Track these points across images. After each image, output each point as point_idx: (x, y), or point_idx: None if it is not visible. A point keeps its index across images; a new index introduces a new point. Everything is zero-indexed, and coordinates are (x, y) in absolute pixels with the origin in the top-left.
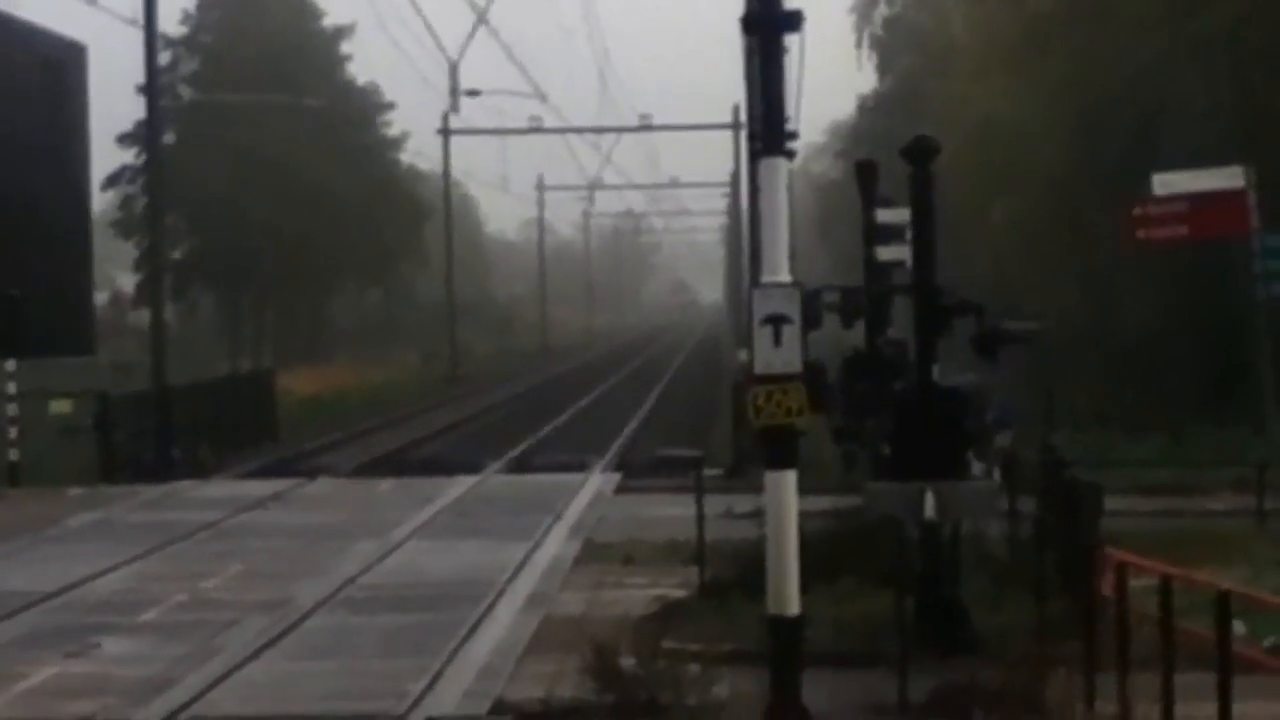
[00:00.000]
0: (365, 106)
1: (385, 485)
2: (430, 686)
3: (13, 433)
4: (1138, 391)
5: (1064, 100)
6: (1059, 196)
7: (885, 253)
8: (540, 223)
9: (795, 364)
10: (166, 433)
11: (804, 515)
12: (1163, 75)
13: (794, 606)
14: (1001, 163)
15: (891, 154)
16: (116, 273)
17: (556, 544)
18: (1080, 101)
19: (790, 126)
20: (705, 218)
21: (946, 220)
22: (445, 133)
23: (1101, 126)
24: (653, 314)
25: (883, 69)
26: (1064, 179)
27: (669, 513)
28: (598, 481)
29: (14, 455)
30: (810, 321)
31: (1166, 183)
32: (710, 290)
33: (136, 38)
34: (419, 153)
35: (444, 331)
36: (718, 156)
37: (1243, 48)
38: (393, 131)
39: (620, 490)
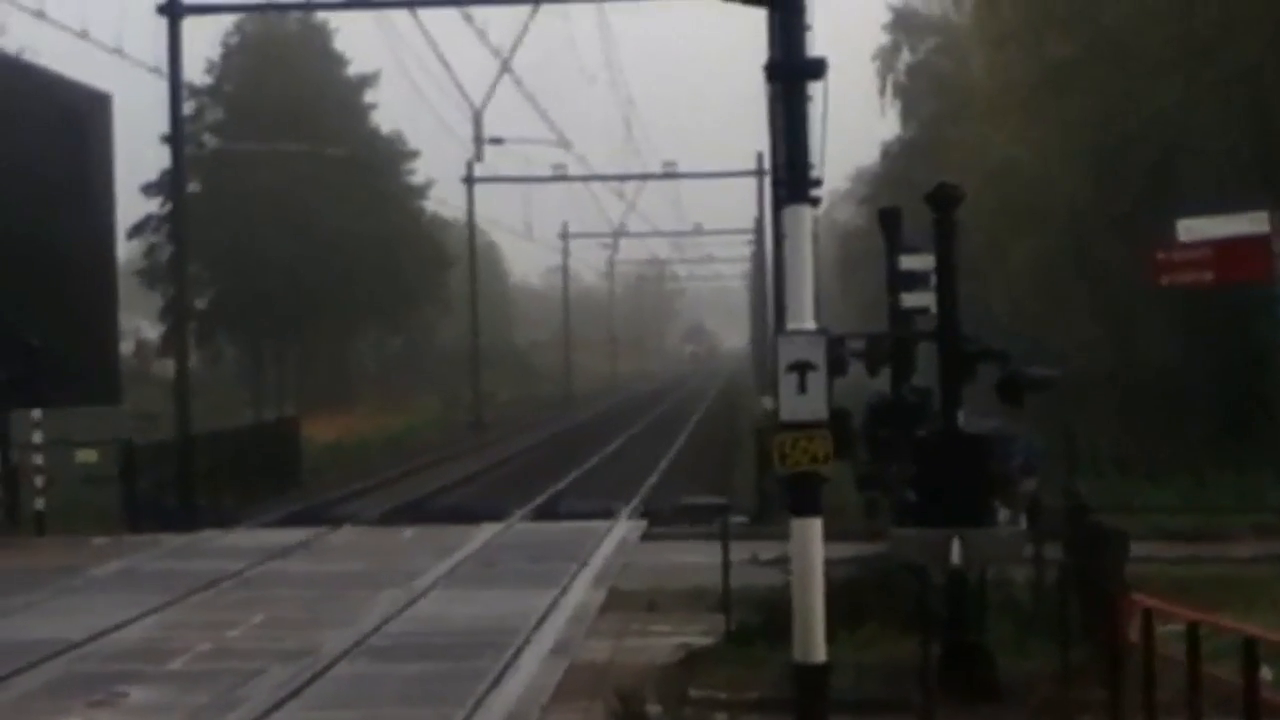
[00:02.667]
0: (389, 154)
1: (409, 533)
2: None
3: (39, 482)
4: (1157, 433)
5: (1083, 142)
6: (1078, 237)
7: (909, 299)
8: (565, 270)
9: (821, 411)
10: (190, 482)
11: (828, 562)
12: (1181, 116)
13: (820, 653)
14: (1021, 204)
15: (915, 200)
16: (141, 322)
17: (581, 591)
18: (1099, 143)
19: (814, 173)
20: (729, 264)
21: (966, 261)
22: (469, 180)
23: (1120, 168)
24: (677, 361)
25: (906, 115)
26: (1083, 219)
27: (694, 560)
28: (623, 529)
29: (40, 504)
30: (835, 368)
31: (1190, 229)
32: (736, 336)
33: (161, 87)
34: (443, 200)
35: (466, 378)
36: (742, 203)
37: (1261, 88)
38: (417, 179)
39: (645, 537)
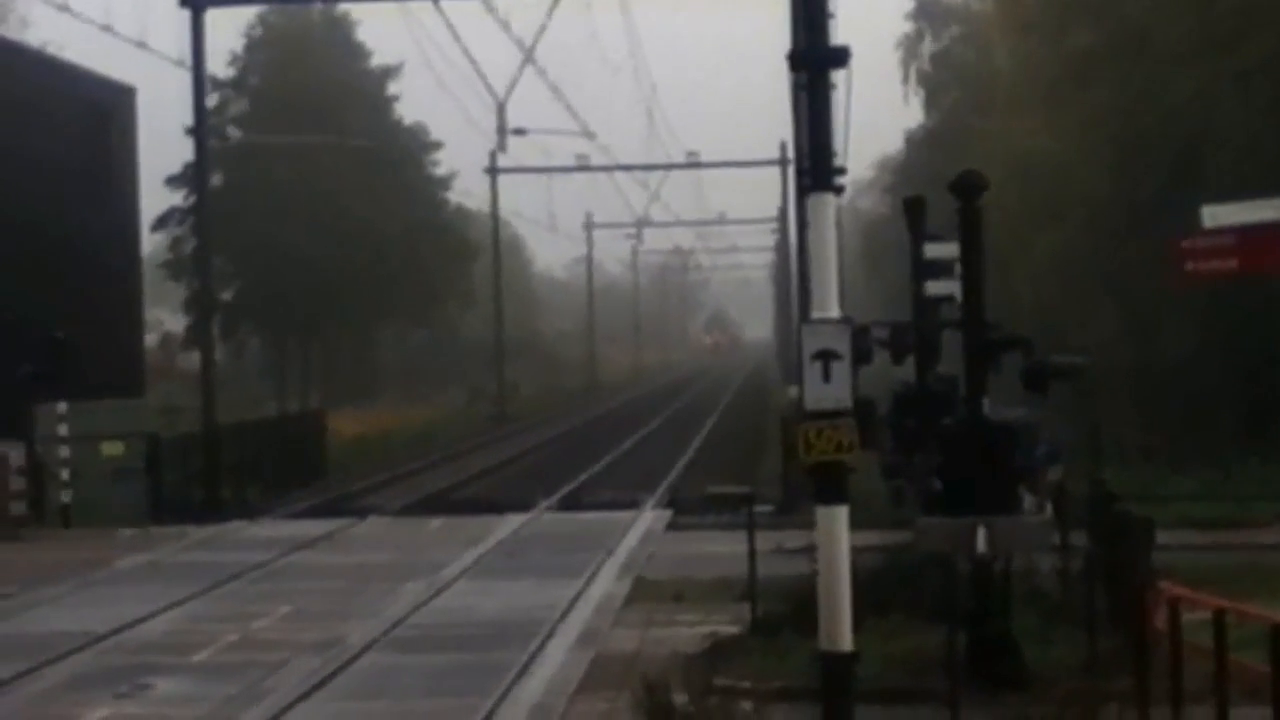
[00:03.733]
0: (412, 146)
1: (434, 524)
2: None
3: (64, 475)
4: (1180, 423)
5: (1105, 132)
6: (1100, 228)
7: (934, 288)
8: (589, 261)
9: (846, 400)
10: (216, 474)
11: (854, 551)
12: (1203, 107)
13: (846, 642)
14: (1043, 195)
15: (939, 189)
16: (165, 314)
17: (607, 582)
18: (1121, 133)
19: (838, 162)
20: (753, 254)
21: (989, 252)
22: (493, 172)
23: (1142, 158)
24: (698, 352)
25: (929, 104)
26: (1105, 211)
27: (719, 550)
28: (648, 519)
29: (66, 497)
30: (860, 357)
31: (1215, 215)
32: (760, 326)
33: (185, 80)
34: (466, 192)
35: (490, 370)
36: (766, 193)
37: None
38: (440, 171)
39: (671, 527)
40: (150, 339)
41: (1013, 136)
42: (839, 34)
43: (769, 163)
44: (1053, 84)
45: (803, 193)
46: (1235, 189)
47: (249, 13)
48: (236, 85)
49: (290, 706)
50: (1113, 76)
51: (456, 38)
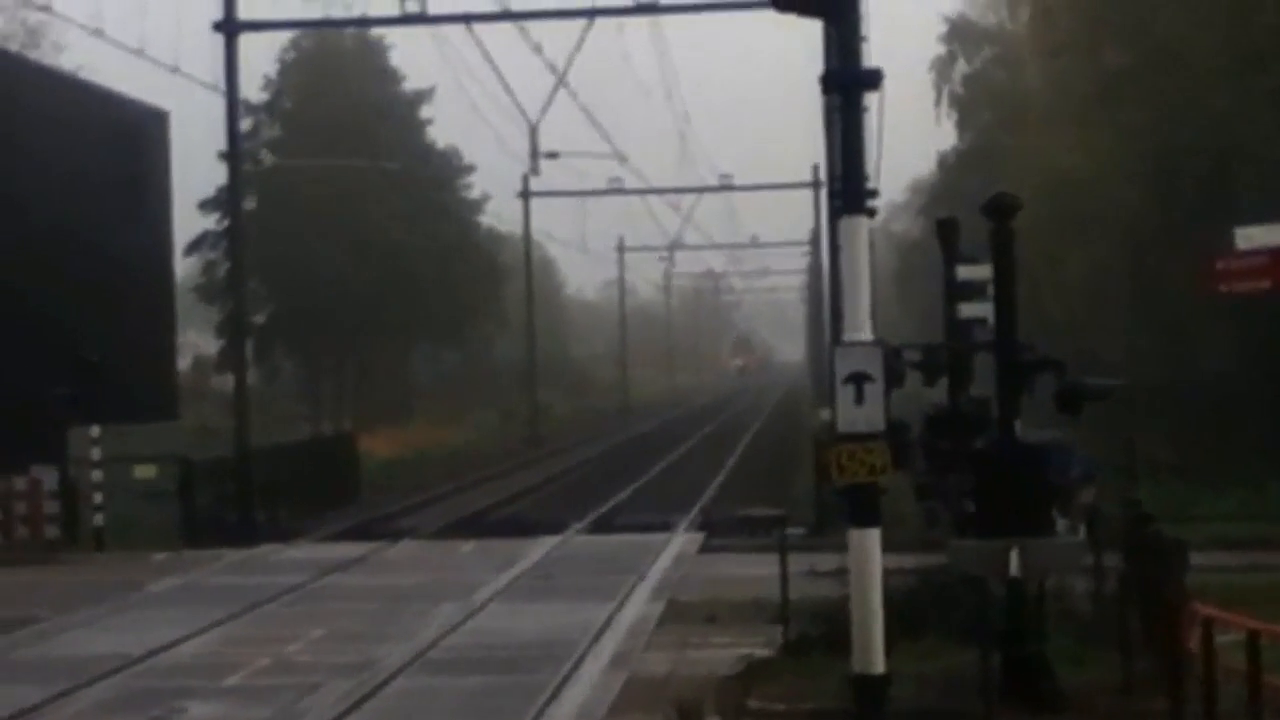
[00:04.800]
0: (445, 169)
1: (467, 547)
2: None
3: (98, 498)
4: (1213, 442)
5: (1138, 151)
6: (1133, 246)
7: (967, 309)
8: (621, 284)
9: (878, 422)
10: (249, 497)
11: (887, 573)
12: (1235, 125)
13: (879, 664)
14: (1076, 213)
15: (972, 210)
16: (199, 337)
17: (640, 604)
18: (1154, 152)
19: (870, 185)
20: (786, 277)
21: (1021, 270)
22: (525, 195)
23: (1175, 177)
24: (725, 376)
25: (962, 126)
26: (1138, 229)
27: (752, 572)
28: (681, 541)
29: (99, 520)
30: (892, 379)
31: (1248, 236)
32: (792, 349)
33: (218, 104)
34: (499, 214)
35: (522, 392)
36: (798, 215)
37: None
38: (473, 194)
39: (703, 550)
40: (183, 362)
41: (1045, 156)
42: (871, 57)
43: (801, 185)
44: (1085, 103)
45: (835, 215)
46: (1268, 206)
47: (282, 37)
48: (270, 109)
49: None
50: (1145, 95)
51: (489, 61)
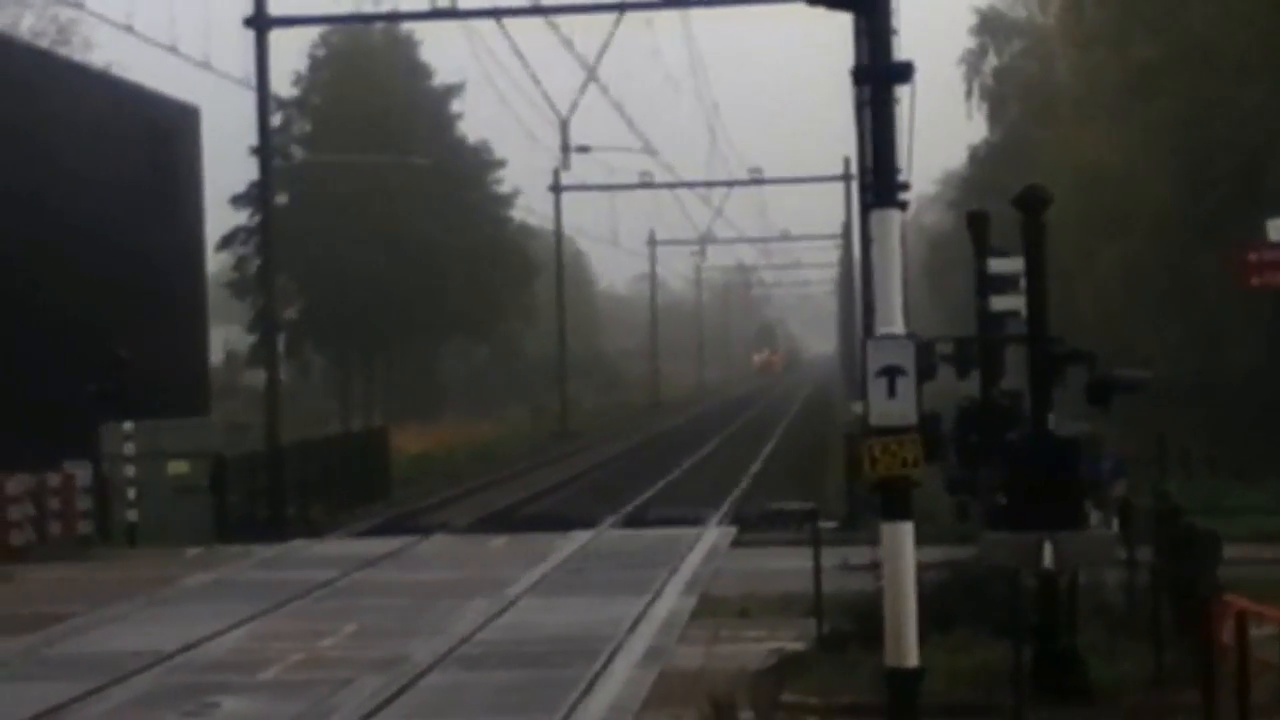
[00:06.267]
0: (476, 164)
1: (499, 542)
2: None
3: (130, 494)
4: (1246, 435)
5: (1169, 144)
6: (1164, 239)
7: (998, 303)
8: (652, 278)
9: (910, 416)
10: (281, 492)
11: (919, 566)
12: (1267, 118)
13: (912, 658)
14: (1107, 206)
15: (1003, 203)
16: (231, 333)
17: (672, 598)
18: (1186, 145)
19: (901, 177)
20: (817, 270)
21: (1052, 264)
22: (556, 189)
23: (1206, 169)
24: (750, 372)
25: (993, 118)
26: (1169, 222)
27: (784, 566)
28: (713, 535)
29: (132, 516)
30: (924, 373)
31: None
32: (824, 342)
33: (249, 100)
34: (530, 209)
35: (552, 387)
36: (829, 208)
37: None
38: (503, 188)
39: (735, 544)
40: (215, 357)
41: (1076, 149)
42: (902, 49)
43: (832, 178)
44: (1116, 96)
45: (866, 208)
46: None
47: (312, 33)
48: (300, 105)
49: None
50: (1176, 88)
51: (519, 56)
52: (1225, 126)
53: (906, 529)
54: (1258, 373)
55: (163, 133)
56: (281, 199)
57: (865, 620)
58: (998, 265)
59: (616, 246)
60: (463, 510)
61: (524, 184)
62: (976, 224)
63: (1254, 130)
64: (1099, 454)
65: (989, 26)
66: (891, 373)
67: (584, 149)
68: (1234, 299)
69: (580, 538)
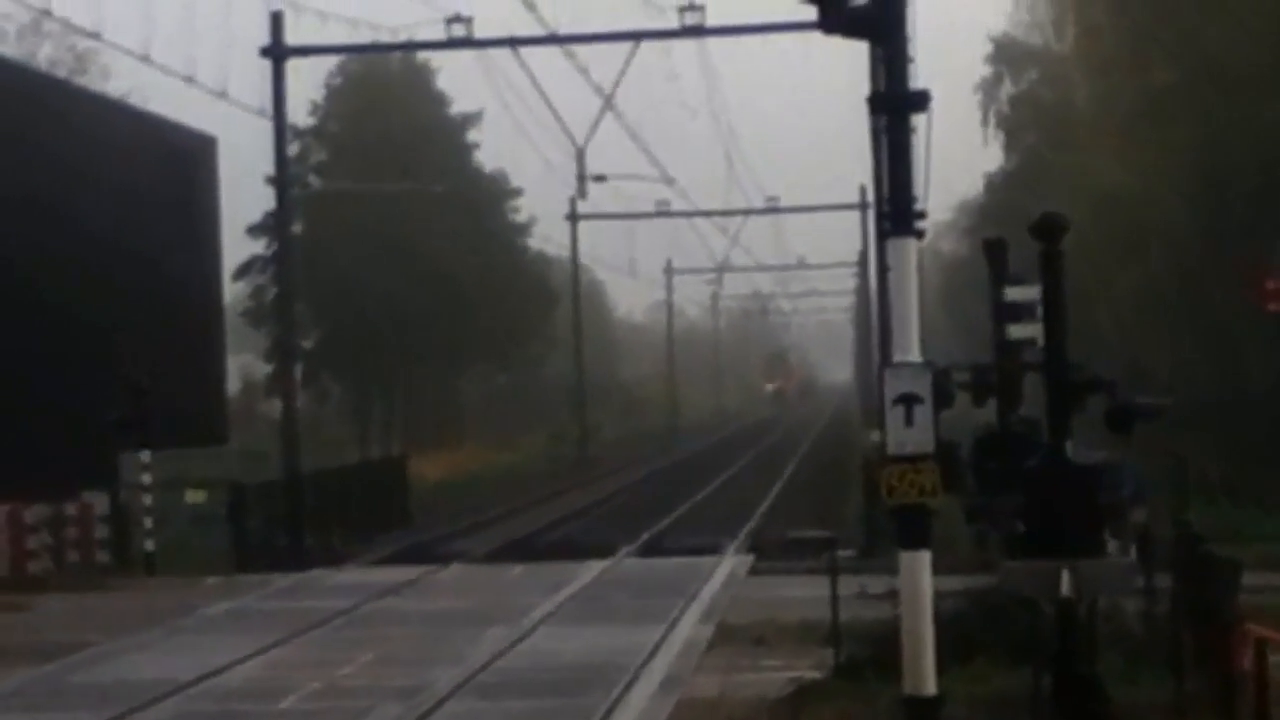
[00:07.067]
0: (492, 193)
1: (517, 570)
2: None
3: (148, 522)
4: (1267, 457)
5: (1186, 168)
6: (1182, 263)
7: (1016, 330)
8: (669, 306)
9: (928, 444)
10: (299, 521)
11: (937, 594)
12: None
13: (930, 686)
14: (1125, 231)
15: (1019, 230)
16: (247, 360)
17: (690, 627)
18: (1201, 168)
19: (918, 205)
20: (834, 298)
21: (1071, 288)
22: (573, 218)
23: (1223, 192)
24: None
25: (1009, 146)
26: (1187, 246)
27: (802, 594)
28: (730, 564)
29: (149, 545)
30: (941, 401)
31: None
32: (841, 370)
33: (265, 129)
34: (547, 237)
35: (571, 414)
36: (846, 236)
37: None
38: (520, 217)
39: (753, 572)
40: (233, 386)
41: (1093, 174)
42: (919, 78)
43: (849, 206)
44: (1132, 120)
45: (883, 236)
46: None
47: (329, 62)
48: (317, 134)
49: None
50: (1192, 111)
51: (536, 85)
52: (1242, 149)
53: (924, 557)
54: (1275, 394)
55: (181, 162)
56: (298, 228)
57: (883, 648)
58: (1014, 293)
59: (634, 275)
60: (481, 539)
61: (540, 212)
62: (993, 251)
63: (1270, 152)
64: (1118, 480)
65: (1004, 54)
66: (909, 400)
67: (600, 178)
68: (1252, 322)
69: (598, 566)
